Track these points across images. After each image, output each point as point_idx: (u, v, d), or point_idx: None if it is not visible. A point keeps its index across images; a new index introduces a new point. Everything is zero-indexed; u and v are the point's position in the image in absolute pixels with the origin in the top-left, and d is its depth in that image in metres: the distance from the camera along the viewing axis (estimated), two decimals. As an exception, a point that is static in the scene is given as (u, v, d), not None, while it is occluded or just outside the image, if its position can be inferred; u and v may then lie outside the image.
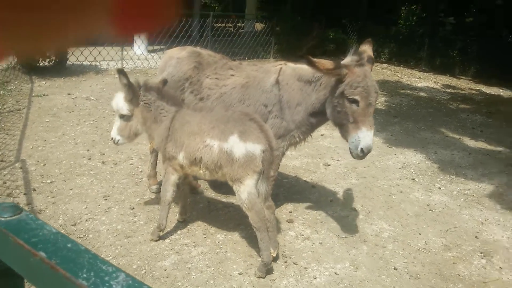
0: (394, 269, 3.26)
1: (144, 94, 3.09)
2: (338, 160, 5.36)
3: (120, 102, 3.04)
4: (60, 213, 3.55)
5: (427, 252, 3.54)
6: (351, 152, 3.12)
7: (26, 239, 0.48)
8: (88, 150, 4.85)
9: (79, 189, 3.97)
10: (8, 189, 3.80)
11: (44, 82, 7.39)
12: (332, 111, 3.14)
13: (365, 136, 2.96)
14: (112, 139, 3.16)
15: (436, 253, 3.54)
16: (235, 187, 2.91)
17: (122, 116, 3.09)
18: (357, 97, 2.94)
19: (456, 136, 6.97)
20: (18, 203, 3.65)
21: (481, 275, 3.30)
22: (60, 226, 3.37)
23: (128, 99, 3.04)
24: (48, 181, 4.06)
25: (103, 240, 3.24)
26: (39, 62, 7.78)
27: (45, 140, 5.00)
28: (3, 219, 0.54)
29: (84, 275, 0.47)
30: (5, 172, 4.13)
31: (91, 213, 3.60)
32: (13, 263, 0.51)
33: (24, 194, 3.78)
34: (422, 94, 10.13)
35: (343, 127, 3.12)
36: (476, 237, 3.85)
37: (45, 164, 4.40)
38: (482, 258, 3.53)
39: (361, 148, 2.97)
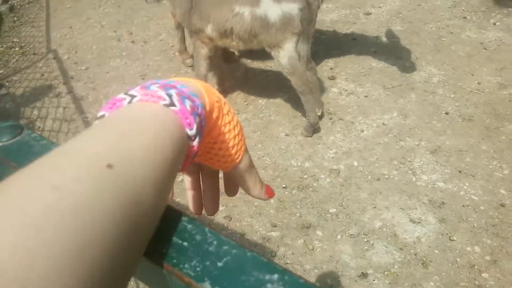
0: (445, 113, 3.14)
1: None
2: (379, 7, 4.90)
3: None
4: (102, 97, 3.59)
5: (480, 92, 3.34)
6: None
7: None
8: (115, 31, 4.69)
9: (115, 72, 3.94)
10: (47, 80, 3.83)
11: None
12: None
13: None
14: None
15: (491, 92, 3.34)
16: (273, 53, 2.73)
17: None
18: None
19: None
20: (60, 92, 3.71)
21: (540, 110, 3.13)
22: (105, 109, 3.44)
23: None
24: (83, 67, 4.04)
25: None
26: None
27: (71, 27, 4.86)
28: (1, 143, 0.45)
29: None
30: (40, 65, 4.13)
31: (132, 93, 3.60)
32: None
33: (64, 83, 3.81)
34: None
35: None
36: (536, 70, 3.56)
37: (76, 52, 4.33)
38: (543, 92, 3.31)
39: None
